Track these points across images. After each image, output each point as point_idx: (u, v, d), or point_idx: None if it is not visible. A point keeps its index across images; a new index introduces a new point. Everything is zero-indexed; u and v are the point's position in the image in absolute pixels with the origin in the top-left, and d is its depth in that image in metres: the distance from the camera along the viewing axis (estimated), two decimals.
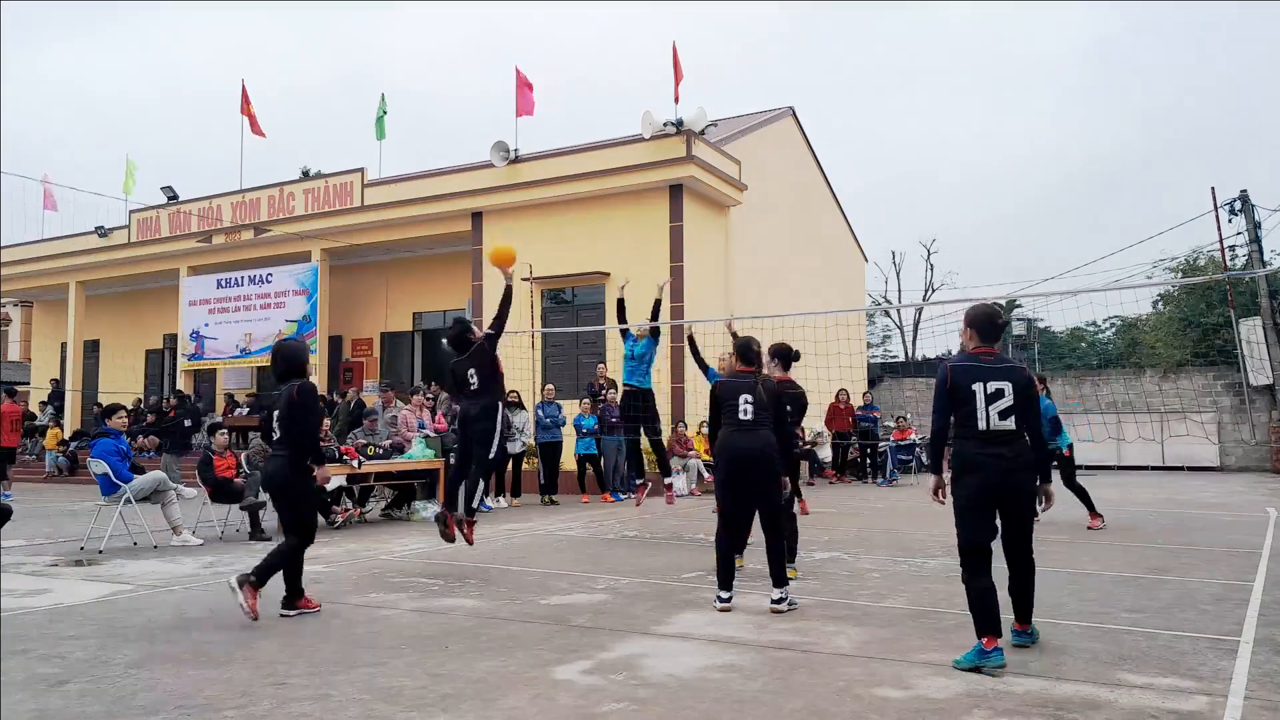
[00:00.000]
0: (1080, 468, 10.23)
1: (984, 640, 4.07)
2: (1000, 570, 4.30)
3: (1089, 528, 9.23)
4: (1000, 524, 4.36)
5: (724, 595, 5.38)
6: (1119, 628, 4.88)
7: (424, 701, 3.65)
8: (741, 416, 5.35)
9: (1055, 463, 9.36)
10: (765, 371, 5.86)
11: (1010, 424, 4.25)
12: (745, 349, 5.58)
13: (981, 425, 4.25)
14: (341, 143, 78.56)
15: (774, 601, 5.30)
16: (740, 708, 3.56)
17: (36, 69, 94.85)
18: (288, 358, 5.69)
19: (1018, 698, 3.65)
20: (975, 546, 4.25)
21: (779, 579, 5.33)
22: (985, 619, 4.11)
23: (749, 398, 5.34)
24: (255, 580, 5.18)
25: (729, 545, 5.45)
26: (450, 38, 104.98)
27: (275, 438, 5.57)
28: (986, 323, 4.43)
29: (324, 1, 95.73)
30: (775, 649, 4.49)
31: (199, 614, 5.44)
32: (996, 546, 4.33)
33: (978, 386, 4.27)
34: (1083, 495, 9.45)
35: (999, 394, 4.25)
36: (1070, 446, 9.74)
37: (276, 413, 5.55)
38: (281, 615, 5.32)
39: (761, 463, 5.31)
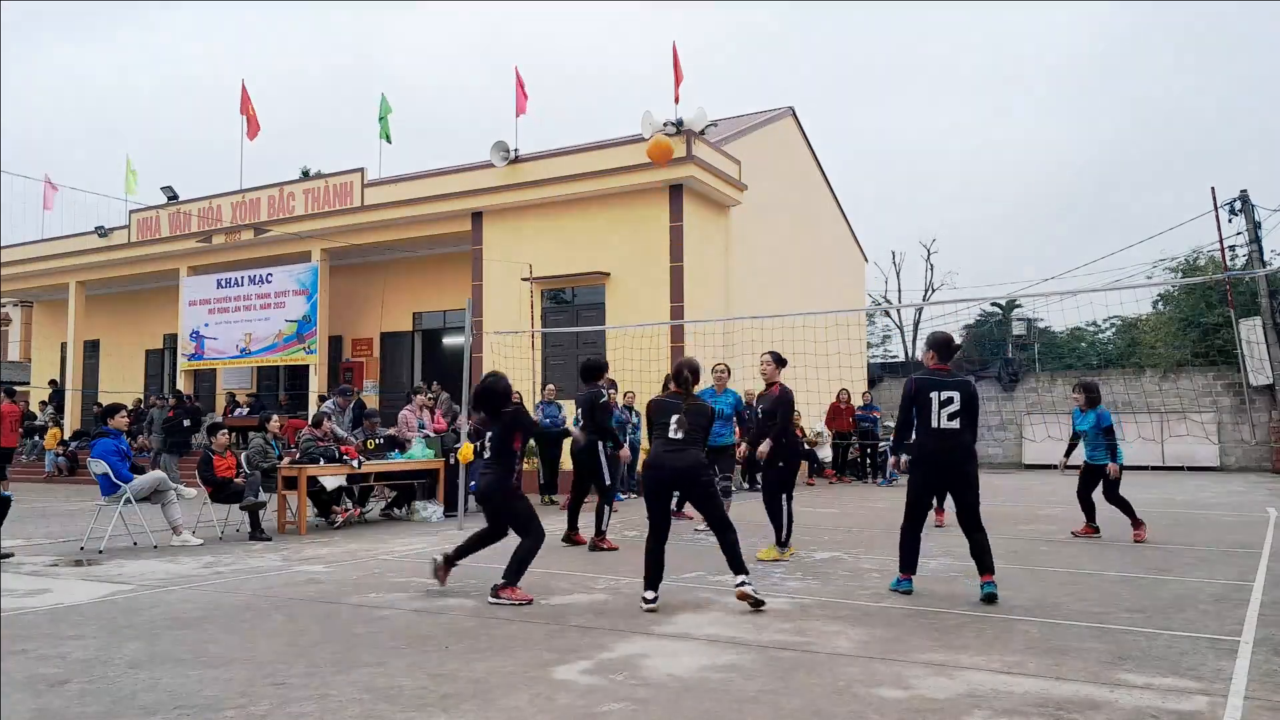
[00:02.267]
0: (1075, 468, 9.53)
1: (901, 574, 5.82)
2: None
3: (1135, 540, 8.49)
4: (954, 505, 5.77)
5: (649, 596, 5.50)
6: (1119, 628, 4.89)
7: (424, 701, 3.65)
8: (672, 435, 5.63)
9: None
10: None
11: (955, 424, 5.65)
12: (677, 373, 5.91)
13: (933, 424, 5.66)
14: (341, 142, 78.57)
15: (738, 585, 5.45)
16: (740, 708, 3.56)
17: (37, 68, 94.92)
18: (486, 396, 6.19)
19: (1018, 698, 3.65)
20: (915, 503, 5.85)
21: (738, 567, 5.51)
22: (908, 558, 5.82)
23: (678, 417, 5.66)
24: (510, 579, 5.78)
25: (658, 547, 5.64)
26: (450, 37, 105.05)
27: (486, 457, 6.23)
28: (943, 346, 5.94)
29: (325, 1, 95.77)
30: (775, 649, 4.49)
31: (199, 614, 5.44)
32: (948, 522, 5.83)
33: (934, 395, 5.66)
34: (1125, 507, 8.82)
35: (949, 401, 5.65)
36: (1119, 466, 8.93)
37: (489, 435, 6.28)
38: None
39: (689, 480, 5.65)
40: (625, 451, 8.80)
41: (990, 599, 5.47)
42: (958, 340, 5.93)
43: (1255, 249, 21.64)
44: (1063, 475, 9.07)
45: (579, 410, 8.60)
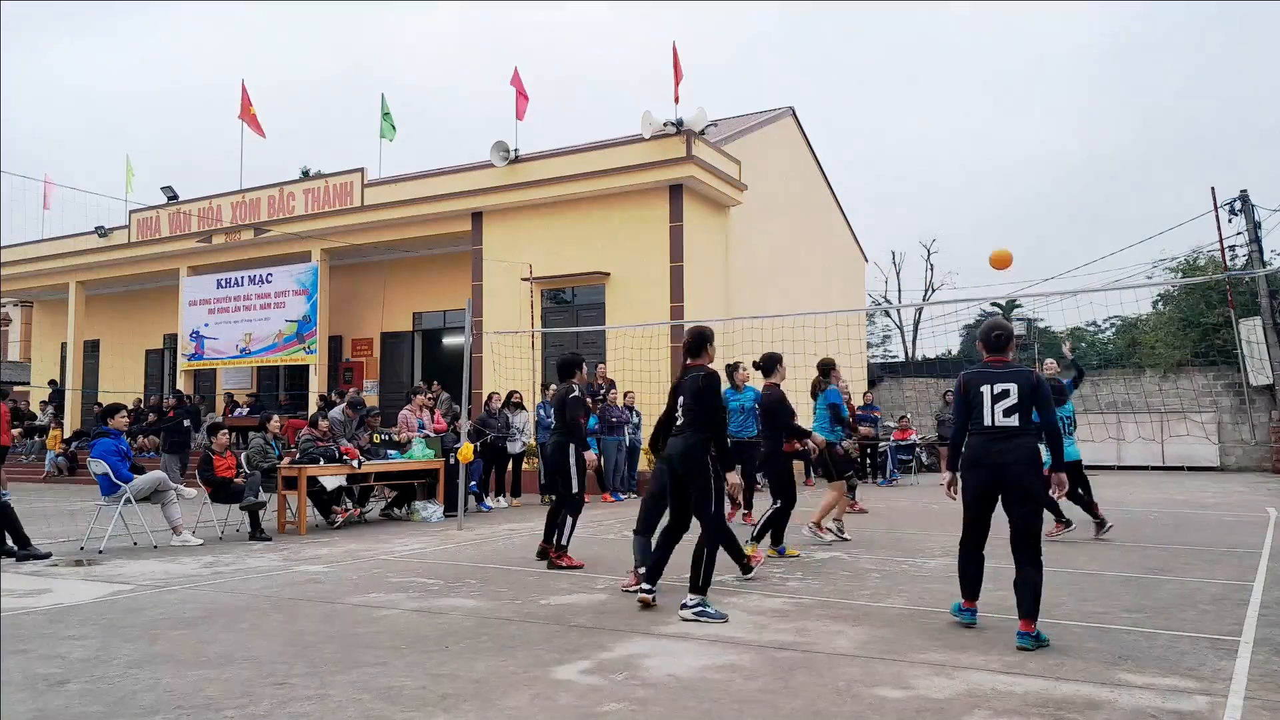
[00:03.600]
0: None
1: (964, 601, 4.97)
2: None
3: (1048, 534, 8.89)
4: (1007, 518, 4.78)
5: (645, 586, 5.53)
6: (1119, 628, 4.88)
7: (424, 701, 3.65)
8: (679, 420, 5.48)
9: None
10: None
11: (1014, 420, 4.77)
12: (693, 344, 5.61)
13: (986, 421, 4.82)
14: (342, 142, 78.61)
15: (682, 607, 5.17)
16: (740, 708, 3.56)
17: (37, 68, 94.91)
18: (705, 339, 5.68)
19: (1018, 698, 3.65)
20: (973, 520, 4.93)
21: (694, 585, 5.24)
22: (967, 583, 4.95)
23: (683, 399, 5.47)
24: (702, 587, 5.22)
25: (668, 540, 5.65)
26: (451, 37, 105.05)
27: (681, 421, 5.49)
28: (986, 336, 5.10)
29: (326, 1, 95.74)
30: (775, 649, 4.48)
31: (199, 614, 5.44)
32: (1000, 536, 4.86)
33: (985, 388, 4.88)
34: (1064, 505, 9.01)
35: (1005, 394, 4.82)
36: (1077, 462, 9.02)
37: (681, 399, 5.49)
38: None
39: (680, 463, 5.44)
40: (591, 455, 7.51)
41: (1024, 649, 4.43)
42: (1005, 334, 5.06)
43: (1255, 249, 21.63)
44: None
45: (552, 409, 8.12)
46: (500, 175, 16.98)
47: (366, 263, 20.69)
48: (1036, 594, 4.53)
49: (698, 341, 5.63)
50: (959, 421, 5.03)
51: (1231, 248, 22.85)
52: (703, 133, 15.78)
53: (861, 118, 74.32)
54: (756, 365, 8.02)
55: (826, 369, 8.58)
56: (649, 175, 15.64)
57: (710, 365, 5.60)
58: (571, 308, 16.79)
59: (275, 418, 10.93)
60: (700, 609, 5.11)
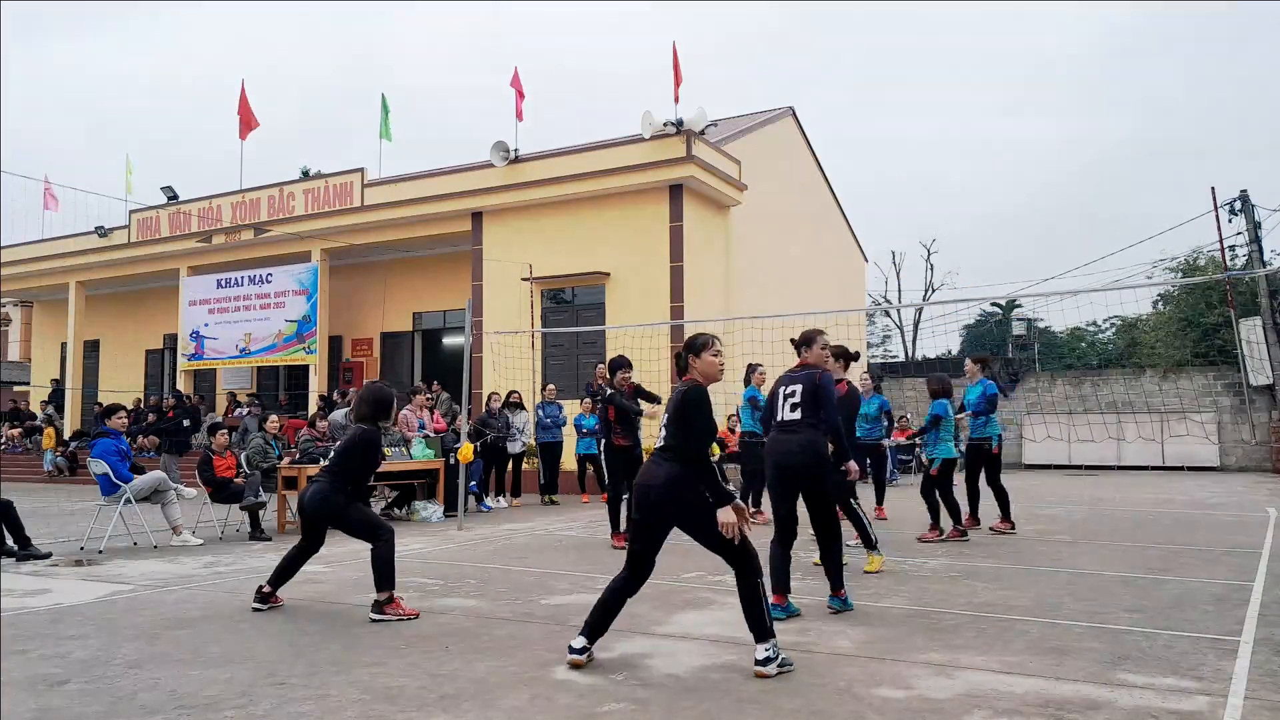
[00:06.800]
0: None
1: (774, 597, 4.99)
2: None
3: (992, 529, 8.98)
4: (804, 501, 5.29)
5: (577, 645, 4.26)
6: (1119, 628, 4.88)
7: (424, 701, 3.65)
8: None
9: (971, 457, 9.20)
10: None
11: (797, 415, 5.28)
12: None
13: (779, 417, 5.37)
14: (342, 142, 78.61)
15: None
16: (740, 708, 3.56)
17: (37, 68, 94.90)
18: (376, 401, 5.77)
19: (1018, 698, 3.65)
20: (780, 520, 5.29)
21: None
22: (776, 579, 5.13)
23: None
24: (384, 593, 5.22)
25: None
26: (451, 37, 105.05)
27: (324, 465, 5.93)
28: (799, 343, 5.69)
29: (327, 1, 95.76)
30: None
31: (199, 614, 5.44)
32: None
33: (780, 389, 5.46)
34: (1002, 497, 9.04)
35: (793, 394, 5.37)
36: (999, 441, 9.28)
37: (338, 444, 5.89)
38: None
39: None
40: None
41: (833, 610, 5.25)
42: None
43: (1255, 249, 21.64)
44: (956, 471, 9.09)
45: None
46: (500, 175, 16.98)
47: (366, 263, 20.70)
48: (834, 567, 5.30)
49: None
50: (764, 423, 5.67)
51: (1231, 248, 22.90)
52: (703, 133, 15.79)
53: (862, 118, 74.36)
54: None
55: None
56: (649, 175, 15.64)
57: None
58: (571, 308, 16.79)
59: (274, 417, 10.92)
60: None
